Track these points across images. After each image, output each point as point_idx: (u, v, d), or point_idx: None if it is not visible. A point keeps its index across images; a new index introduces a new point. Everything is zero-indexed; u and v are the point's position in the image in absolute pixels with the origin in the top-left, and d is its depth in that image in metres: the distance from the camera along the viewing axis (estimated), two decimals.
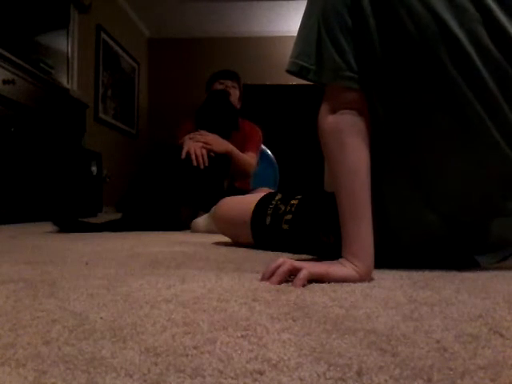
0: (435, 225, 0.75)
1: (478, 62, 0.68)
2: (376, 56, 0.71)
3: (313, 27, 0.72)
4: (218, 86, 2.37)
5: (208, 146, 1.98)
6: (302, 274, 0.60)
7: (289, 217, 0.98)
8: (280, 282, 0.61)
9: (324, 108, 0.72)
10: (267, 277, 0.63)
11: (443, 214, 0.74)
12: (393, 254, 0.80)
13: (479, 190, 0.73)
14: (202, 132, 2.05)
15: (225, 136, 2.11)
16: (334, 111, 0.71)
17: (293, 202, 1.00)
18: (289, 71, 0.75)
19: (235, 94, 2.39)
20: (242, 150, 2.27)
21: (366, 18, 0.70)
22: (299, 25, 0.77)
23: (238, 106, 2.45)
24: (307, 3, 0.76)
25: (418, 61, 0.69)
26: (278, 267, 0.63)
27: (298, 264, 0.63)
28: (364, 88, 0.71)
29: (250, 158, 2.25)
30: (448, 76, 0.68)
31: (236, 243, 1.19)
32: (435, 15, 0.67)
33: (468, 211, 0.75)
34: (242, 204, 1.14)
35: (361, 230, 0.66)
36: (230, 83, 2.38)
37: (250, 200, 1.11)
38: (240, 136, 2.34)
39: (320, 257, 0.88)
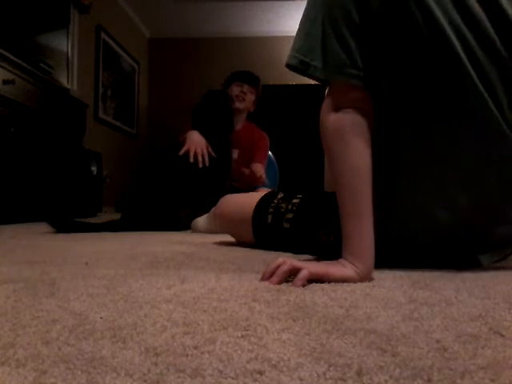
0: (448, 225, 0.74)
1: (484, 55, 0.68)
2: (384, 52, 0.70)
3: (316, 21, 0.70)
4: (234, 88, 2.34)
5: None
6: (302, 274, 0.60)
7: (290, 215, 0.98)
8: (280, 282, 0.61)
9: (326, 105, 0.71)
10: (267, 277, 0.63)
11: (456, 214, 0.74)
12: (400, 253, 0.80)
13: (491, 188, 0.73)
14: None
15: (221, 138, 2.09)
16: (336, 109, 0.69)
17: (294, 200, 1.00)
18: (289, 66, 0.73)
19: (250, 99, 2.38)
20: (250, 157, 2.27)
21: (375, 12, 0.68)
22: (301, 18, 0.74)
23: (252, 110, 2.43)
24: None
25: (430, 54, 0.68)
26: (278, 267, 0.63)
27: (298, 264, 0.63)
28: (370, 86, 0.70)
29: (258, 171, 2.25)
30: (462, 68, 0.67)
31: (237, 241, 1.19)
32: (444, 11, 0.66)
33: (479, 212, 0.74)
34: (244, 202, 1.14)
35: (362, 231, 0.65)
36: (246, 88, 2.36)
37: (252, 198, 1.11)
38: (248, 141, 2.34)
39: (320, 256, 0.88)
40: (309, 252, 0.95)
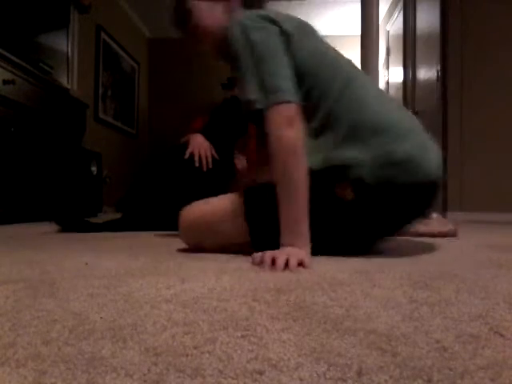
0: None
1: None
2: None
3: (260, 67, 0.90)
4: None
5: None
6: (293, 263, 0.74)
7: None
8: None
9: (281, 121, 0.86)
10: (269, 266, 0.75)
11: None
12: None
13: None
14: None
15: (229, 143, 2.10)
16: (291, 126, 0.85)
17: None
18: (253, 110, 0.89)
19: None
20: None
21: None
22: (241, 71, 0.92)
23: None
24: (240, 53, 0.92)
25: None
26: (274, 258, 0.76)
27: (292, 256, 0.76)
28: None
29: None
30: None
31: (220, 248, 0.99)
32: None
33: None
34: (219, 203, 1.01)
35: (306, 224, 0.82)
36: None
37: (228, 196, 1.01)
38: (254, 143, 2.35)
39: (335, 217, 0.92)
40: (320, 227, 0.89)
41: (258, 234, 0.97)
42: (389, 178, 0.86)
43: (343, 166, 0.89)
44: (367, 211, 0.91)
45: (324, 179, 0.91)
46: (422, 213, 0.98)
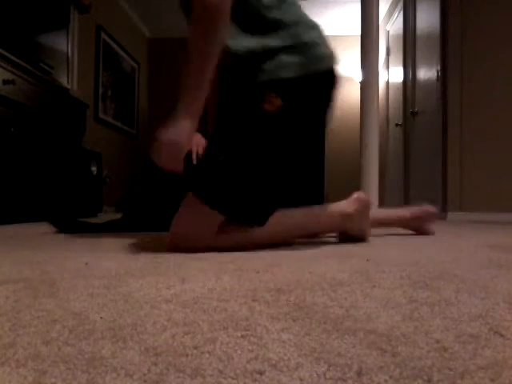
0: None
1: None
2: None
3: None
4: None
5: None
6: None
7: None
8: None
9: None
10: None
11: None
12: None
13: None
14: None
15: None
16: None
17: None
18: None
19: None
20: None
21: None
22: None
23: None
24: None
25: None
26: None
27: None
28: None
29: None
30: None
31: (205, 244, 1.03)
32: None
33: None
34: (184, 203, 1.13)
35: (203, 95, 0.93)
36: None
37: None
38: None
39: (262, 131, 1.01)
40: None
41: (212, 202, 1.04)
42: (302, 64, 1.02)
43: (264, 54, 1.02)
44: (295, 115, 1.03)
45: (249, 100, 1.03)
46: (330, 106, 1.14)
